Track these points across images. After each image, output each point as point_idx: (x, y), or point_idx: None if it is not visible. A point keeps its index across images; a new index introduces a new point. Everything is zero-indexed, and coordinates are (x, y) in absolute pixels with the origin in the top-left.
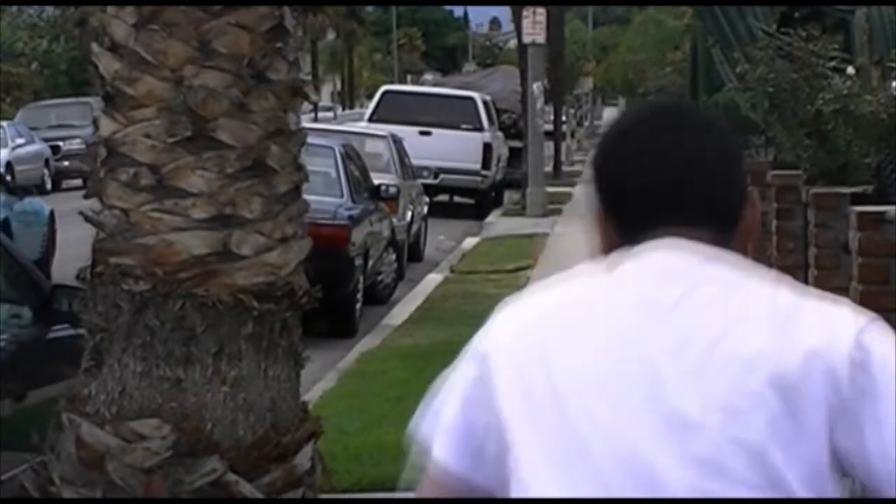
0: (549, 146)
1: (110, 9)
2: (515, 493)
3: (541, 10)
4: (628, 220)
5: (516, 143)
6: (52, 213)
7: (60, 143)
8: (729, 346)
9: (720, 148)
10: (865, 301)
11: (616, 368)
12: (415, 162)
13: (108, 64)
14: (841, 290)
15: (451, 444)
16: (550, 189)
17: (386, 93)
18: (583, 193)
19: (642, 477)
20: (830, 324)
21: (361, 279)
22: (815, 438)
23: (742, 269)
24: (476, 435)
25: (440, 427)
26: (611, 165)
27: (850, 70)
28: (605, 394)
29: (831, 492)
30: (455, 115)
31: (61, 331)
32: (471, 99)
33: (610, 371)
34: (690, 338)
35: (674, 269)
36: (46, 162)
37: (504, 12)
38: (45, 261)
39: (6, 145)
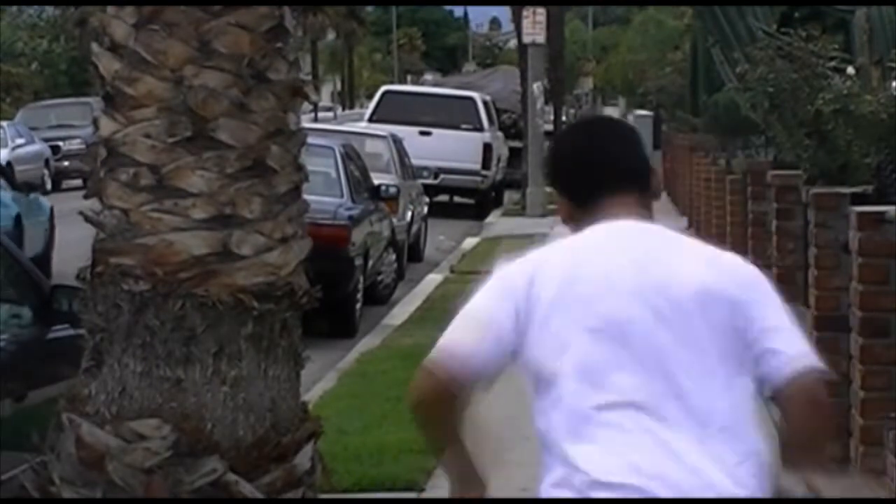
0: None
1: (110, 9)
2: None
3: (541, 10)
4: (579, 194)
5: (516, 143)
6: (52, 210)
7: (60, 143)
8: (678, 269)
9: (632, 142)
10: (865, 301)
11: (604, 271)
12: (415, 162)
13: (108, 64)
14: (841, 289)
15: (473, 333)
16: (550, 189)
17: (386, 93)
18: None
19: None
20: (736, 261)
21: (361, 279)
22: (731, 332)
23: (662, 227)
24: (500, 324)
25: (460, 328)
26: (564, 161)
27: (850, 70)
28: (600, 290)
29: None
30: (455, 115)
31: (61, 331)
32: (471, 99)
33: (600, 271)
34: (648, 260)
35: (644, 227)
36: (46, 162)
37: (504, 12)
38: (46, 255)
39: (6, 145)
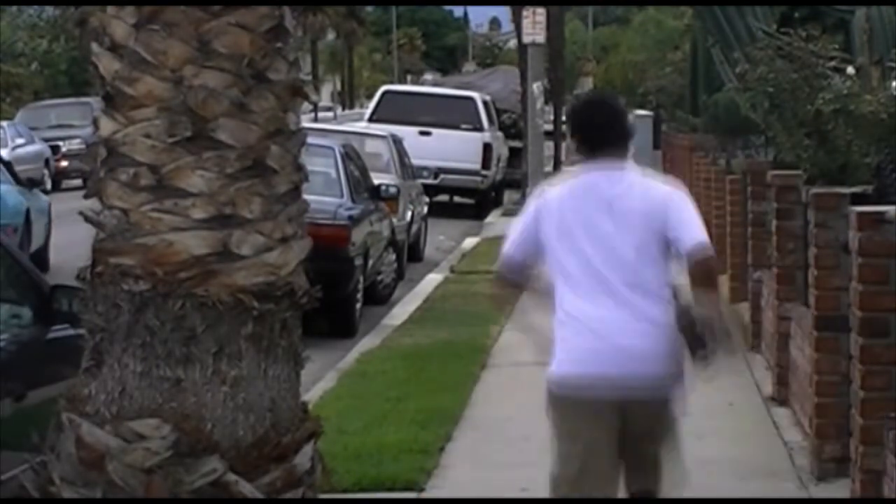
0: (549, 146)
1: (110, 9)
2: (546, 253)
3: (541, 10)
4: (587, 146)
5: (516, 143)
6: (49, 204)
7: (60, 143)
8: (635, 199)
9: (623, 113)
10: (865, 301)
11: (586, 203)
12: (415, 162)
13: (108, 64)
14: (841, 290)
15: (515, 243)
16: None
17: (386, 93)
18: None
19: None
20: (664, 188)
21: (361, 279)
22: (657, 231)
23: (636, 170)
24: (531, 231)
25: (509, 240)
26: (578, 121)
27: (850, 70)
28: (581, 210)
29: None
30: (455, 115)
31: (61, 331)
32: (471, 99)
33: (585, 203)
34: (618, 195)
35: (610, 171)
36: (46, 162)
37: (504, 12)
38: (45, 249)
39: (6, 145)
